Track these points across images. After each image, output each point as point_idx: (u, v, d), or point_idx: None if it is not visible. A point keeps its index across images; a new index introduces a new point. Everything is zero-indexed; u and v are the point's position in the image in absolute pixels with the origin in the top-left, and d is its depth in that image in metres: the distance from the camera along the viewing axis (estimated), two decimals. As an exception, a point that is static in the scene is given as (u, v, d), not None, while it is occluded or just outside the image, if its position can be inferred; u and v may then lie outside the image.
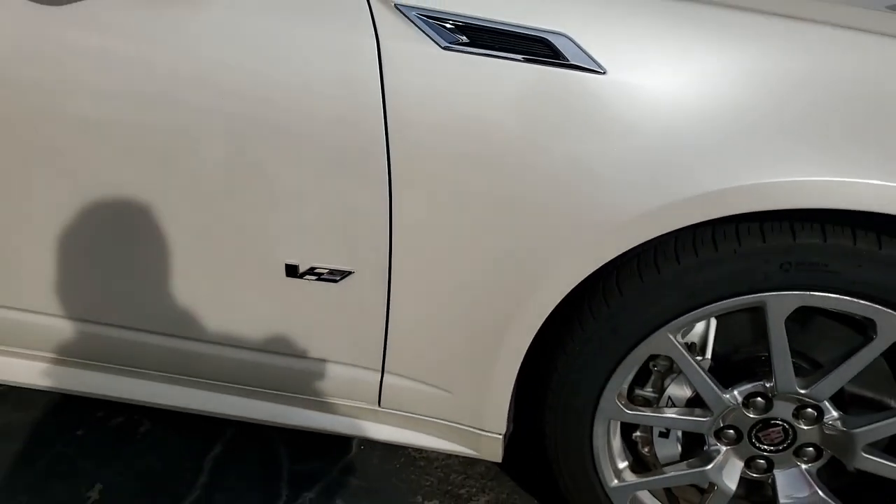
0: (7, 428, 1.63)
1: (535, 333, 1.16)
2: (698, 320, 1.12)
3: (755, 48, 0.99)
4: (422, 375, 1.28)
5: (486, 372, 1.23)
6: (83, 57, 1.12)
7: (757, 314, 1.13)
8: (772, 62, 0.99)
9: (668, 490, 1.36)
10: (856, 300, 1.04)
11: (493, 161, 1.07)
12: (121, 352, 1.36)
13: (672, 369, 1.19)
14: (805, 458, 1.20)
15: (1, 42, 1.13)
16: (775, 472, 1.22)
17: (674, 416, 1.20)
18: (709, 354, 1.17)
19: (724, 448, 1.22)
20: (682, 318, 1.10)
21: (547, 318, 1.17)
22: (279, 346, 1.30)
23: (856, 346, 1.08)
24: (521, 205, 1.08)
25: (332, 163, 1.11)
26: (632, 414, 1.20)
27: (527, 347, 1.18)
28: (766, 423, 1.19)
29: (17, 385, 1.48)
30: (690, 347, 1.17)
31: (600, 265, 1.08)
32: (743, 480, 1.26)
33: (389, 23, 1.05)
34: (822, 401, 1.13)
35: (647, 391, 1.23)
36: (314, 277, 1.20)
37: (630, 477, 1.27)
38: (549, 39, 1.02)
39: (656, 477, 1.26)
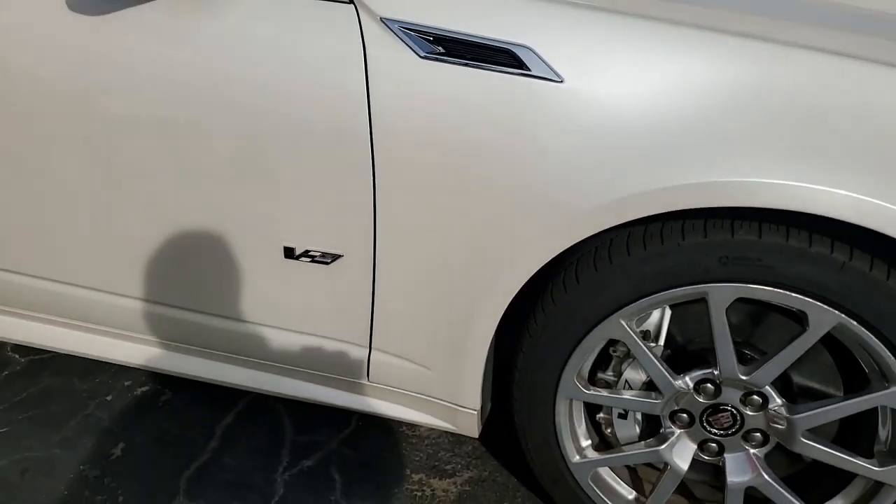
0: (47, 391, 1.81)
1: (501, 315, 1.28)
2: (647, 308, 1.22)
3: (698, 61, 1.09)
4: (405, 352, 1.41)
5: (460, 350, 1.35)
6: (114, 60, 1.29)
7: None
8: (713, 73, 1.09)
9: (633, 473, 1.46)
10: (788, 293, 1.13)
11: (465, 159, 1.19)
12: (142, 322, 1.52)
13: (629, 355, 1.30)
14: (753, 443, 1.29)
15: (46, 47, 1.31)
16: (725, 455, 1.31)
17: (628, 397, 1.30)
18: (662, 341, 1.27)
19: (678, 431, 1.32)
20: (632, 306, 1.20)
21: (518, 304, 1.29)
22: (279, 322, 1.45)
23: (792, 337, 1.17)
24: (488, 197, 1.20)
25: (325, 157, 1.25)
26: (589, 394, 1.31)
27: (495, 328, 1.30)
28: (715, 409, 1.28)
29: (58, 351, 1.66)
30: (646, 335, 1.28)
31: (556, 254, 1.19)
32: (702, 464, 1.36)
33: (375, 34, 1.19)
34: (764, 387, 1.22)
35: (608, 375, 1.34)
36: (308, 259, 1.35)
37: (592, 454, 1.38)
38: (515, 51, 1.14)
39: (614, 455, 1.36)
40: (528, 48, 1.14)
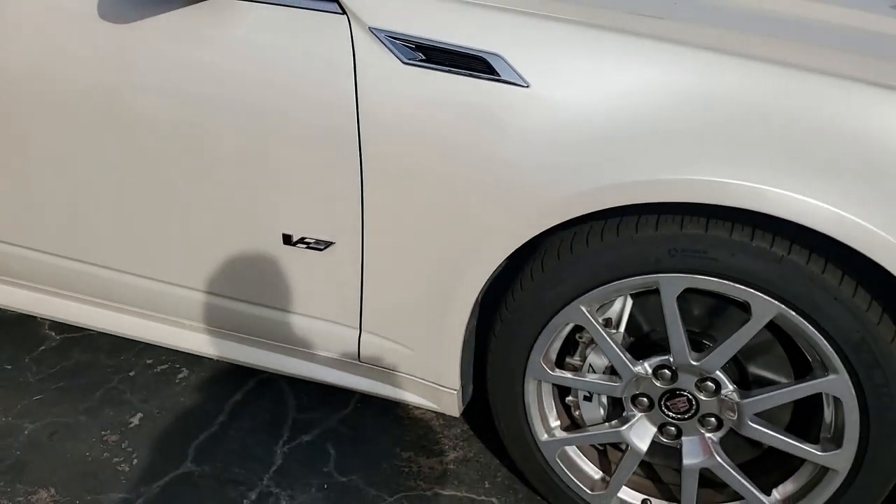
0: (77, 365, 1.99)
1: (475, 300, 1.39)
2: (606, 296, 1.32)
3: (652, 69, 1.20)
4: (391, 334, 1.53)
5: (439, 333, 1.46)
6: (138, 62, 1.44)
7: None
8: (666, 80, 1.19)
9: (603, 456, 1.55)
10: (732, 284, 1.22)
11: (442, 155, 1.31)
12: (158, 301, 1.68)
13: (593, 341, 1.40)
14: (708, 427, 1.38)
15: (77, 51, 1.47)
16: (683, 438, 1.40)
17: (590, 379, 1.40)
18: (622, 328, 1.37)
19: (638, 414, 1.41)
20: (591, 293, 1.30)
21: (493, 291, 1.41)
22: (279, 303, 1.58)
23: (737, 326, 1.26)
24: (461, 191, 1.32)
25: (319, 152, 1.39)
26: (554, 375, 1.41)
27: (469, 312, 1.41)
28: (673, 394, 1.37)
29: (88, 328, 1.82)
30: (608, 322, 1.38)
31: (521, 244, 1.30)
32: (668, 449, 1.44)
33: (364, 41, 1.32)
34: (714, 372, 1.31)
35: (575, 359, 1.44)
36: (304, 246, 1.48)
37: (560, 434, 1.48)
38: (487, 58, 1.26)
39: (578, 434, 1.46)
40: (498, 56, 1.26)
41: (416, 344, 1.51)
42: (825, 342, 1.20)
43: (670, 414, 1.39)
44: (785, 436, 1.31)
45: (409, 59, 1.30)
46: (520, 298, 1.37)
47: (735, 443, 1.42)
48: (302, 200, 1.44)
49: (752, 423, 1.32)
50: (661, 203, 1.22)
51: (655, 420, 1.41)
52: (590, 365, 1.42)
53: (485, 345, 1.49)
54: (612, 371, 1.41)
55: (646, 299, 1.38)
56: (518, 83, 1.25)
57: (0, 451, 1.71)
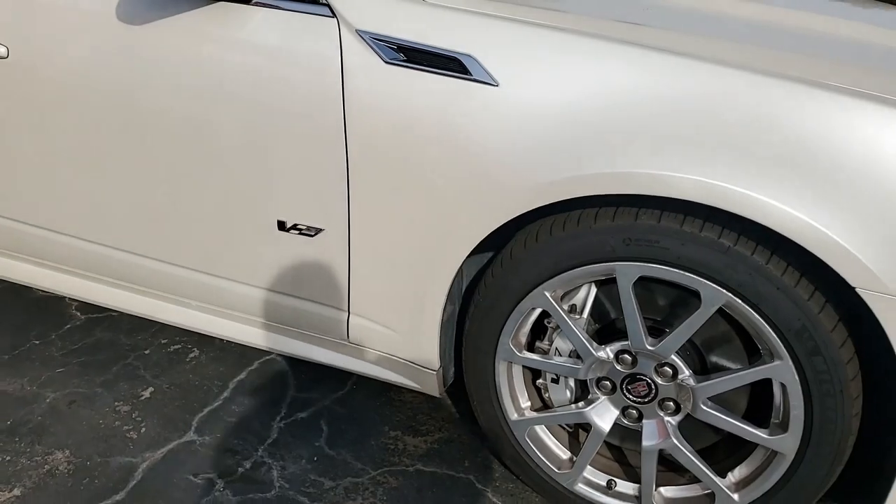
0: (98, 343, 2.14)
1: (450, 283, 1.49)
2: (568, 282, 1.41)
3: (612, 69, 1.29)
4: (376, 317, 1.64)
5: (418, 315, 1.57)
6: (151, 60, 1.58)
7: (637, 287, 1.40)
8: (623, 79, 1.28)
9: (573, 438, 1.63)
10: (683, 272, 1.30)
11: (419, 149, 1.42)
12: (165, 281, 1.82)
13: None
14: (667, 411, 1.45)
15: (97, 50, 1.62)
16: (644, 421, 1.48)
17: (554, 361, 1.49)
18: (586, 314, 1.46)
19: (602, 397, 1.49)
20: (553, 280, 1.39)
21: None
22: (275, 285, 1.70)
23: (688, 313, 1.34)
24: (437, 182, 1.42)
25: (309, 143, 1.50)
26: (522, 357, 1.50)
27: (445, 294, 1.51)
28: (633, 378, 1.45)
29: (108, 308, 1.97)
30: (573, 308, 1.46)
31: (489, 232, 1.40)
32: (636, 434, 1.52)
33: (351, 43, 1.43)
34: (669, 357, 1.38)
35: (544, 343, 1.52)
36: (296, 232, 1.60)
37: (530, 414, 1.56)
38: (461, 59, 1.36)
39: (545, 414, 1.54)
40: (471, 57, 1.36)
41: (398, 326, 1.62)
42: (769, 329, 1.27)
43: (631, 397, 1.47)
44: (735, 419, 1.38)
45: (391, 59, 1.41)
46: (491, 285, 1.46)
47: (697, 429, 1.49)
48: (294, 188, 1.56)
49: (705, 406, 1.39)
50: (620, 196, 1.31)
51: (618, 403, 1.49)
52: (556, 348, 1.50)
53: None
54: (576, 355, 1.49)
55: (612, 287, 1.46)
56: (489, 82, 1.35)
57: (24, 415, 1.87)
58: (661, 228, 1.29)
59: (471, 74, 1.36)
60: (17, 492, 1.65)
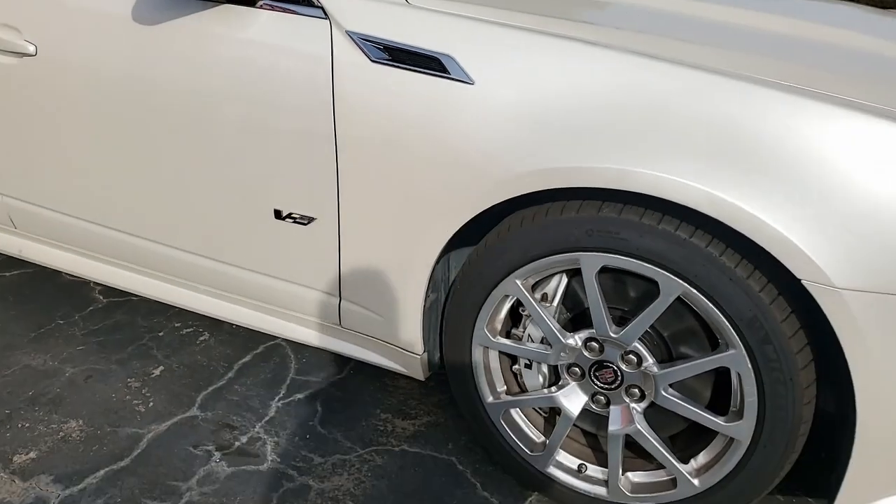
0: (117, 324, 2.28)
1: (430, 270, 1.57)
2: (536, 271, 1.48)
3: (581, 69, 1.36)
4: (365, 302, 1.73)
5: (402, 301, 1.65)
6: (162, 57, 1.71)
7: (609, 279, 1.47)
8: (591, 79, 1.35)
9: (547, 423, 1.70)
10: (641, 263, 1.36)
11: (402, 143, 1.51)
12: (172, 266, 1.94)
13: (532, 313, 1.56)
14: (633, 398, 1.51)
15: (114, 47, 1.75)
16: (611, 407, 1.54)
17: (525, 346, 1.56)
18: (556, 303, 1.53)
19: (572, 382, 1.56)
20: (523, 269, 1.47)
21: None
22: (272, 271, 1.81)
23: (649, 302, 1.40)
24: (417, 175, 1.51)
25: (302, 136, 1.61)
26: (495, 341, 1.57)
27: (426, 281, 1.59)
28: (601, 365, 1.52)
29: (131, 292, 2.11)
30: (544, 297, 1.53)
31: (465, 222, 1.48)
32: (601, 419, 1.58)
33: (341, 43, 1.53)
34: (632, 344, 1.45)
35: (519, 331, 1.60)
36: (291, 220, 1.70)
37: (504, 397, 1.64)
38: (440, 58, 1.45)
39: (518, 397, 1.62)
40: (450, 56, 1.45)
41: (384, 312, 1.71)
42: (723, 319, 1.33)
43: (599, 384, 1.53)
44: (693, 406, 1.44)
45: (377, 58, 1.50)
46: (468, 273, 1.55)
47: (667, 416, 1.54)
48: (289, 179, 1.66)
49: (666, 393, 1.45)
50: (587, 189, 1.38)
51: (587, 389, 1.55)
52: (529, 335, 1.58)
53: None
54: (547, 341, 1.56)
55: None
56: (465, 80, 1.44)
57: (44, 387, 2.01)
58: (622, 221, 1.36)
59: (449, 73, 1.45)
60: (33, 454, 1.79)
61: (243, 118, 1.66)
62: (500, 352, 1.63)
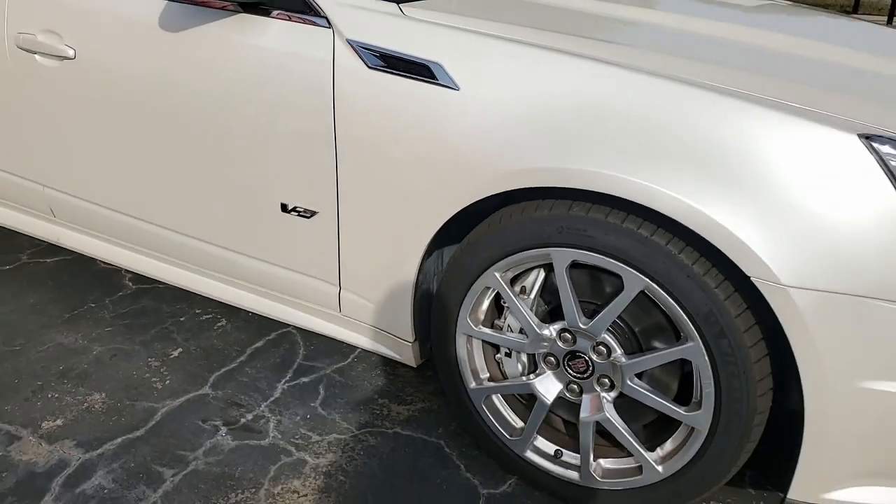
0: (143, 309, 2.45)
1: (419, 262, 1.69)
2: (513, 265, 1.58)
3: (557, 77, 1.46)
4: (361, 291, 1.86)
5: (394, 290, 1.77)
6: (185, 61, 1.87)
7: (587, 275, 1.57)
8: (566, 87, 1.45)
9: (527, 410, 1.79)
10: (607, 259, 1.45)
11: (394, 143, 1.63)
12: (188, 253, 2.09)
13: (511, 305, 1.66)
14: (603, 387, 1.60)
15: (141, 52, 1.91)
16: (584, 395, 1.63)
17: (504, 336, 1.66)
18: (533, 295, 1.63)
19: (547, 371, 1.66)
20: (501, 262, 1.57)
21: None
22: (278, 260, 1.95)
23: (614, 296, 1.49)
24: (408, 174, 1.63)
25: (306, 135, 1.74)
26: (477, 331, 1.68)
27: (416, 272, 1.71)
28: (573, 355, 1.61)
29: (156, 279, 2.28)
30: (523, 289, 1.64)
31: (448, 218, 1.59)
32: (576, 407, 1.68)
33: (342, 50, 1.66)
34: (600, 335, 1.54)
35: (501, 321, 1.70)
36: (296, 214, 1.84)
37: (486, 383, 1.74)
38: (429, 66, 1.57)
39: (498, 384, 1.72)
40: (438, 64, 1.57)
41: (379, 301, 1.83)
42: (682, 313, 1.41)
43: (572, 373, 1.62)
44: (657, 395, 1.52)
45: (373, 65, 1.63)
46: (453, 266, 1.66)
47: (638, 406, 1.63)
48: (294, 174, 1.80)
49: (632, 383, 1.54)
50: (559, 189, 1.48)
51: (562, 378, 1.65)
52: (508, 325, 1.68)
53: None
54: (525, 332, 1.66)
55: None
56: (451, 86, 1.55)
57: (73, 363, 2.18)
58: (589, 219, 1.46)
59: (437, 79, 1.56)
60: (59, 422, 1.96)
61: (256, 117, 1.80)
62: (483, 341, 1.73)
